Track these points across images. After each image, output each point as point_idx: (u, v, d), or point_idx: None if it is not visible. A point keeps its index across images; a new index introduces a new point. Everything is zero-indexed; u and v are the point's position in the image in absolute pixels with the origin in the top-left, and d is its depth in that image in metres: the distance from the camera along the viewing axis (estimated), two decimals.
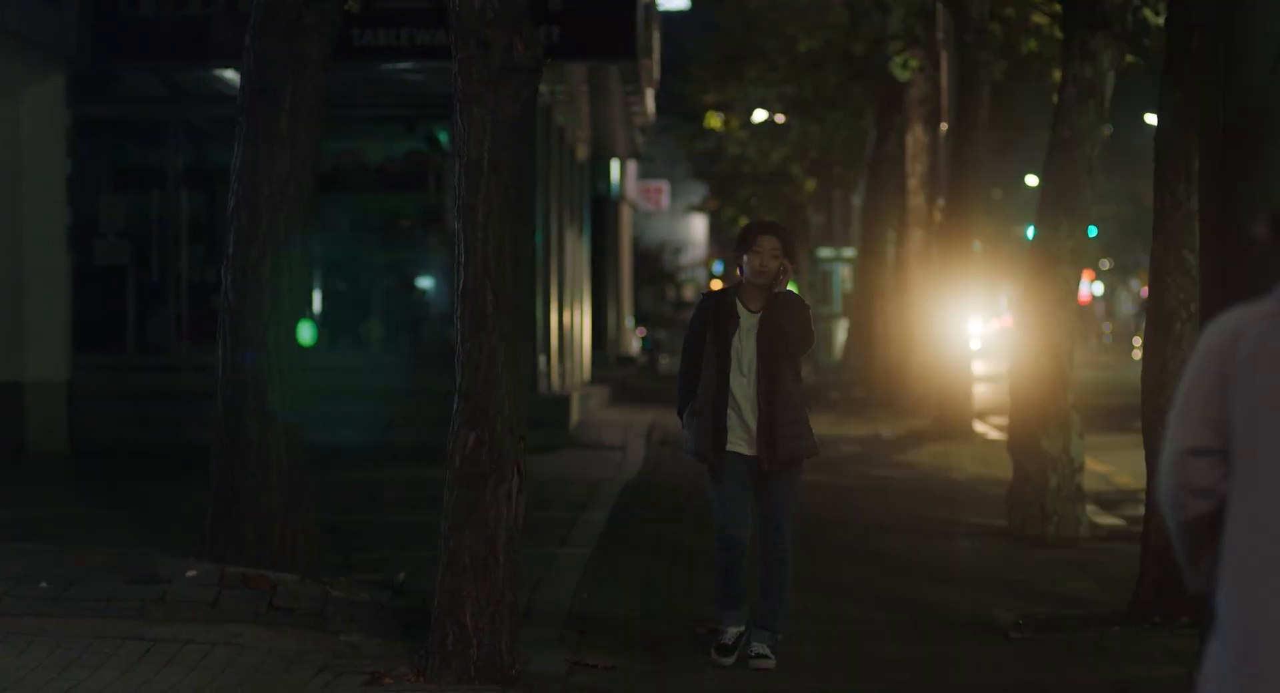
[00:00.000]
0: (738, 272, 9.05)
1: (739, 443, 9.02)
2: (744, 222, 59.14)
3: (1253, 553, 3.97)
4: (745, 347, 9.00)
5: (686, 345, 9.22)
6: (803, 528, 14.22)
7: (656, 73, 34.12)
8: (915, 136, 28.17)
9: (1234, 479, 4.00)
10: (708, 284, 66.35)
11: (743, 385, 9.00)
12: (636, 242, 56.27)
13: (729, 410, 9.01)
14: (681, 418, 9.25)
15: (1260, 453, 3.96)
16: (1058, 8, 16.02)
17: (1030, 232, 16.02)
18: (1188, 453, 4.04)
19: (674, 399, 9.46)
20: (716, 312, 9.09)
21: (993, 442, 22.37)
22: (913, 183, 28.36)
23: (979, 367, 31.86)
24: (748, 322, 9.03)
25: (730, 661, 9.16)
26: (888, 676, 9.22)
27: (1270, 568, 3.95)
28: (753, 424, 8.98)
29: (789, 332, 8.97)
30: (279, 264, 10.77)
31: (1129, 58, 15.88)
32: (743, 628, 9.21)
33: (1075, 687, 8.87)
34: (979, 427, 24.62)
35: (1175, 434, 4.08)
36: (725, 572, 9.17)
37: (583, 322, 31.02)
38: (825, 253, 48.14)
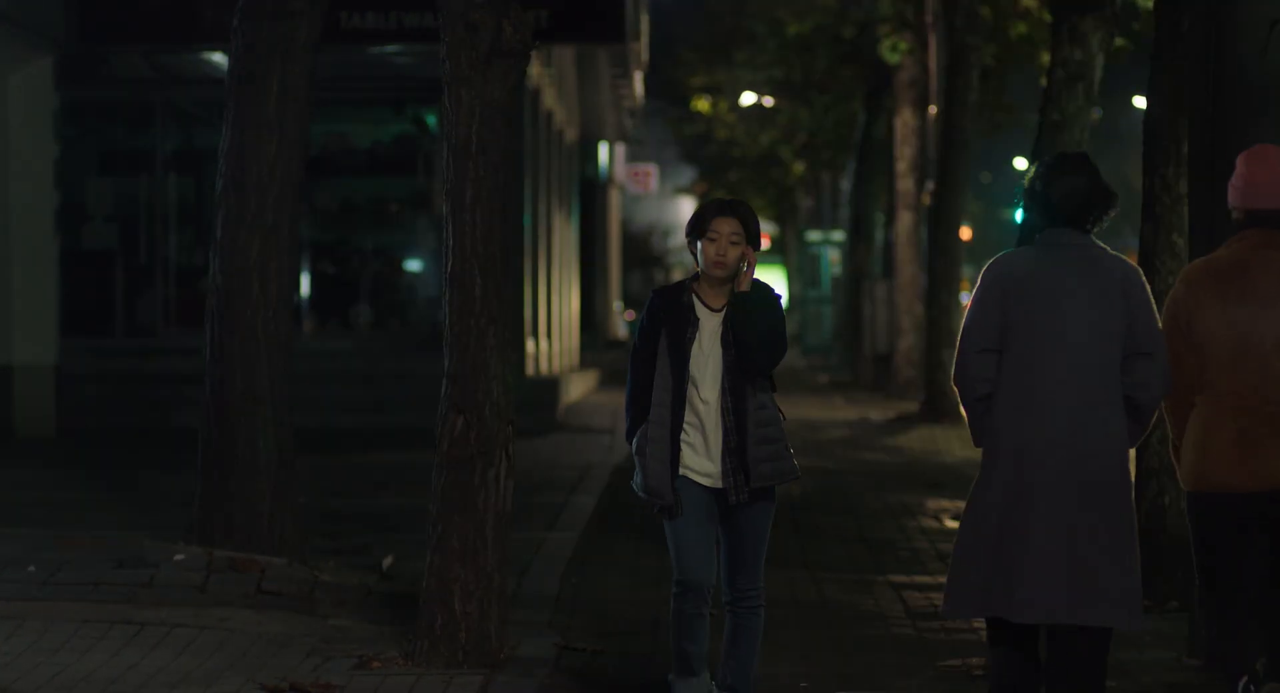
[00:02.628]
0: (696, 261, 7.35)
1: (701, 472, 7.33)
2: None
3: (1014, 404, 6.73)
4: (708, 354, 7.30)
5: (634, 356, 7.41)
6: (790, 512, 14.25)
7: (645, 56, 34.09)
8: (904, 120, 28.17)
9: (1006, 363, 6.75)
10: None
11: (705, 402, 7.31)
12: (626, 225, 56.24)
13: (688, 432, 7.32)
14: (632, 445, 7.41)
15: (1027, 340, 6.71)
16: None
17: (1018, 215, 16.01)
18: (977, 352, 6.79)
19: None
20: (670, 313, 7.33)
21: None
22: (901, 166, 28.37)
23: None
24: (709, 323, 7.32)
25: None
26: (875, 658, 9.22)
27: (1026, 411, 6.72)
28: (718, 448, 7.30)
29: (755, 336, 7.23)
30: (267, 247, 10.75)
31: (1118, 41, 15.88)
32: None
33: None
34: None
35: (967, 340, 6.80)
36: (685, 627, 7.38)
37: (571, 305, 31.02)
38: (814, 236, 48.13)
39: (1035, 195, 6.83)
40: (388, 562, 11.22)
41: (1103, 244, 6.84)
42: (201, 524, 10.69)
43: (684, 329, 7.30)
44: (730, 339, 7.26)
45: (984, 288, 6.81)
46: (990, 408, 6.80)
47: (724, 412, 7.29)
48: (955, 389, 6.94)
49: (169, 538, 10.73)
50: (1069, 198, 6.76)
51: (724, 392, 7.29)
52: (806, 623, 10.09)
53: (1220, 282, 7.06)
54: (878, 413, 25.09)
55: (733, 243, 7.25)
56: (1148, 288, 6.81)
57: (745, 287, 7.28)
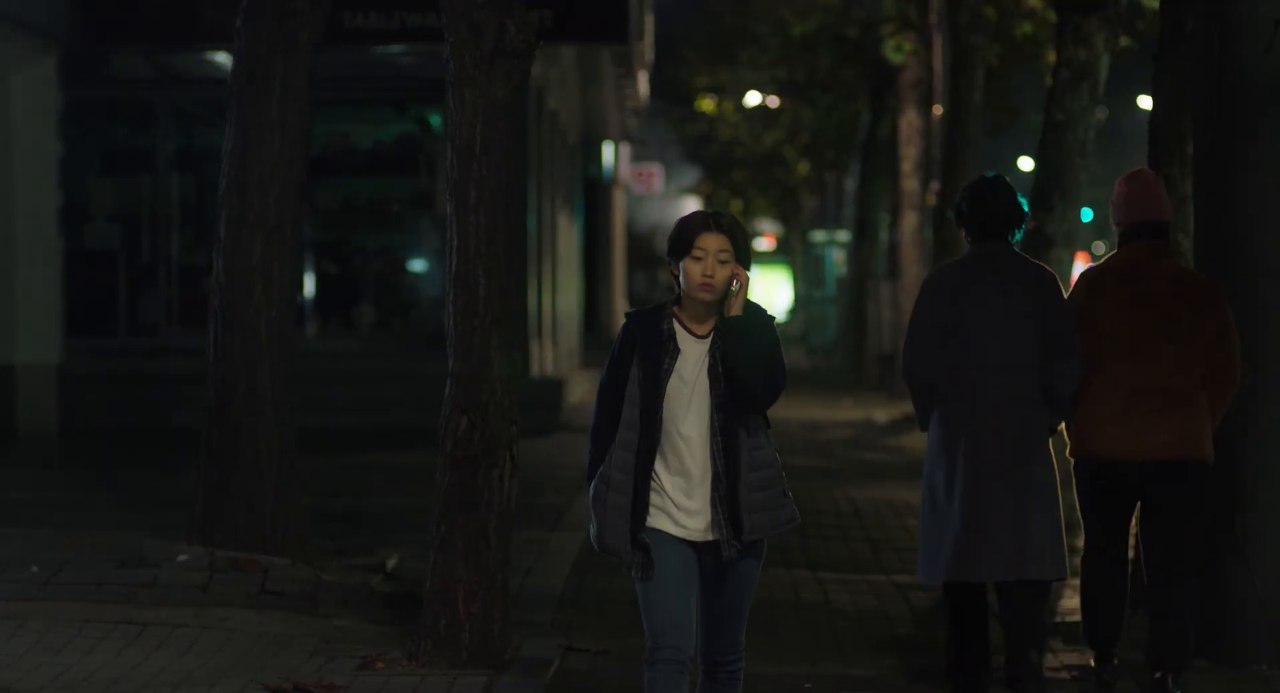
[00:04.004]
0: (675, 284, 6.41)
1: (680, 524, 6.35)
2: (737, 206, 59.02)
3: (955, 392, 7.87)
4: (691, 387, 6.32)
5: (603, 388, 6.43)
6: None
7: (649, 55, 34.09)
8: (909, 120, 28.16)
9: (946, 357, 7.91)
10: None
11: (690, 443, 6.32)
12: (631, 225, 56.23)
13: (660, 478, 6.34)
14: (589, 489, 6.46)
15: (964, 337, 7.91)
16: None
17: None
18: (922, 348, 7.98)
19: None
20: (647, 340, 6.36)
21: None
22: (906, 166, 28.36)
23: None
24: (692, 353, 6.34)
25: None
26: (879, 659, 9.20)
27: (966, 398, 7.86)
28: (704, 495, 6.33)
29: (750, 367, 6.31)
30: (270, 248, 10.73)
31: (1123, 41, 15.86)
32: None
33: (1063, 671, 8.85)
34: None
35: (913, 337, 8.01)
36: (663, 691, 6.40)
37: (575, 305, 31.01)
38: (818, 236, 48.10)
39: (963, 215, 8.13)
40: (391, 562, 11.21)
41: (1023, 254, 8.15)
42: (204, 524, 10.68)
43: (660, 360, 6.31)
44: (719, 371, 6.30)
45: (926, 293, 8.10)
46: (934, 397, 8.01)
47: (714, 454, 6.31)
48: (904, 382, 8.23)
49: (171, 538, 10.72)
50: (993, 217, 8.06)
51: (714, 431, 6.31)
52: (810, 623, 10.08)
53: (1116, 284, 8.28)
54: (882, 413, 25.06)
55: (721, 261, 6.28)
56: (1062, 290, 8.12)
57: (736, 311, 6.31)
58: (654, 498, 6.34)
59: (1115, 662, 8.49)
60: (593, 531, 6.40)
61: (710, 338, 6.34)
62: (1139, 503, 8.35)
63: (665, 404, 6.31)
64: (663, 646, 6.33)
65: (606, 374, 6.42)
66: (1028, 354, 7.95)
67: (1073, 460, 8.36)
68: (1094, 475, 8.30)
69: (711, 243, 6.30)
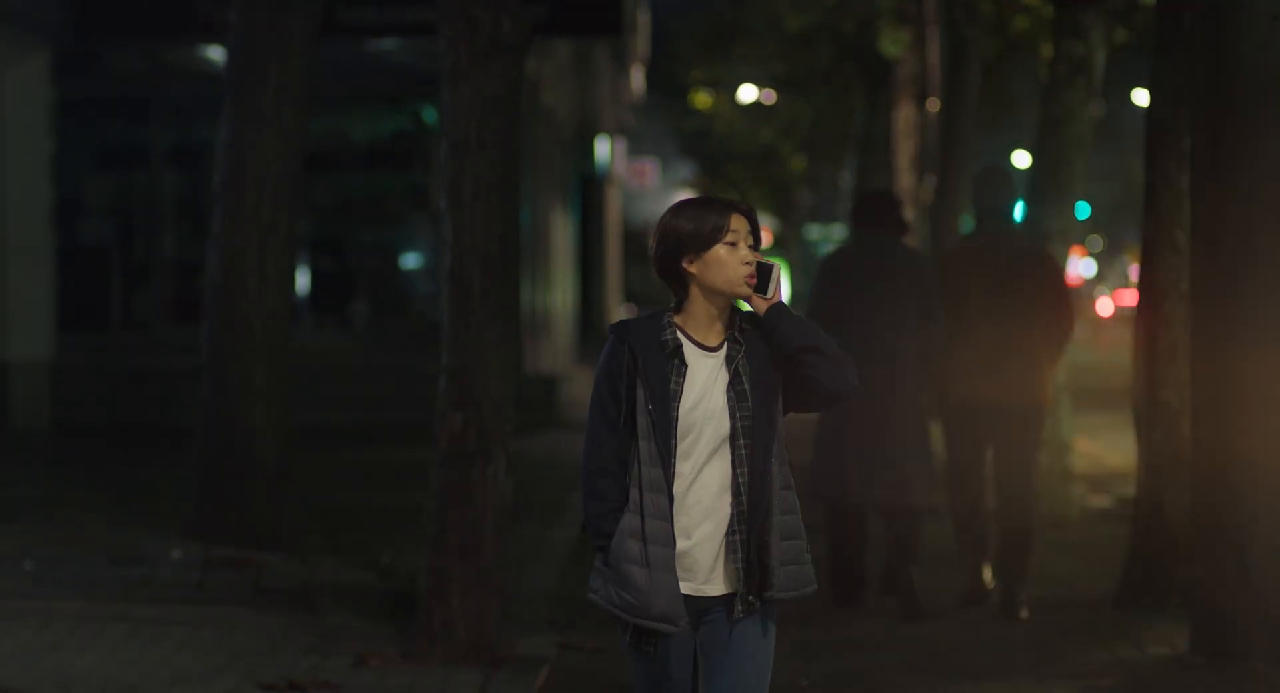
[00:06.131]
0: (679, 289, 5.22)
1: (692, 581, 5.18)
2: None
3: (848, 348, 5.94)
4: (702, 410, 5.18)
5: (595, 421, 5.23)
6: None
7: (644, 49, 34.06)
8: (905, 115, 28.13)
9: (842, 320, 9.71)
10: None
11: (703, 480, 5.18)
12: (628, 220, 56.23)
13: (680, 526, 5.16)
14: (603, 545, 5.18)
15: (854, 305, 9.93)
16: None
17: (1019, 209, 15.96)
18: (824, 317, 9.67)
19: None
20: (648, 357, 5.18)
21: None
22: (902, 161, 28.33)
23: None
24: (702, 369, 5.20)
25: None
26: (878, 655, 9.17)
27: (856, 354, 6.10)
28: (713, 542, 5.16)
29: (819, 343, 5.23)
30: (264, 244, 10.71)
31: (1119, 35, 15.83)
32: None
33: (1066, 667, 8.83)
34: None
35: (816, 307, 10.01)
36: None
37: (570, 301, 30.98)
38: (814, 231, 48.10)
39: (857, 217, 10.30)
40: (386, 559, 11.18)
41: (900, 239, 10.10)
42: (199, 521, 10.65)
43: (668, 379, 5.15)
44: (742, 389, 5.17)
45: (824, 273, 10.15)
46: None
47: (736, 491, 5.15)
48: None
49: (166, 535, 10.69)
50: (874, 212, 10.19)
51: (737, 463, 5.16)
52: (806, 620, 10.05)
53: (968, 262, 10.20)
54: None
55: (750, 246, 5.22)
56: (933, 269, 10.10)
57: (777, 295, 5.24)
58: (677, 548, 5.17)
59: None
60: (615, 594, 5.13)
61: (724, 350, 5.21)
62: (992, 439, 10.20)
63: (679, 431, 5.15)
64: None
65: (597, 402, 5.22)
66: (902, 318, 9.92)
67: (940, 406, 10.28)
68: (951, 419, 10.26)
69: (741, 225, 5.21)
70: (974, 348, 10.01)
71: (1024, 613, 9.98)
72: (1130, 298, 67.92)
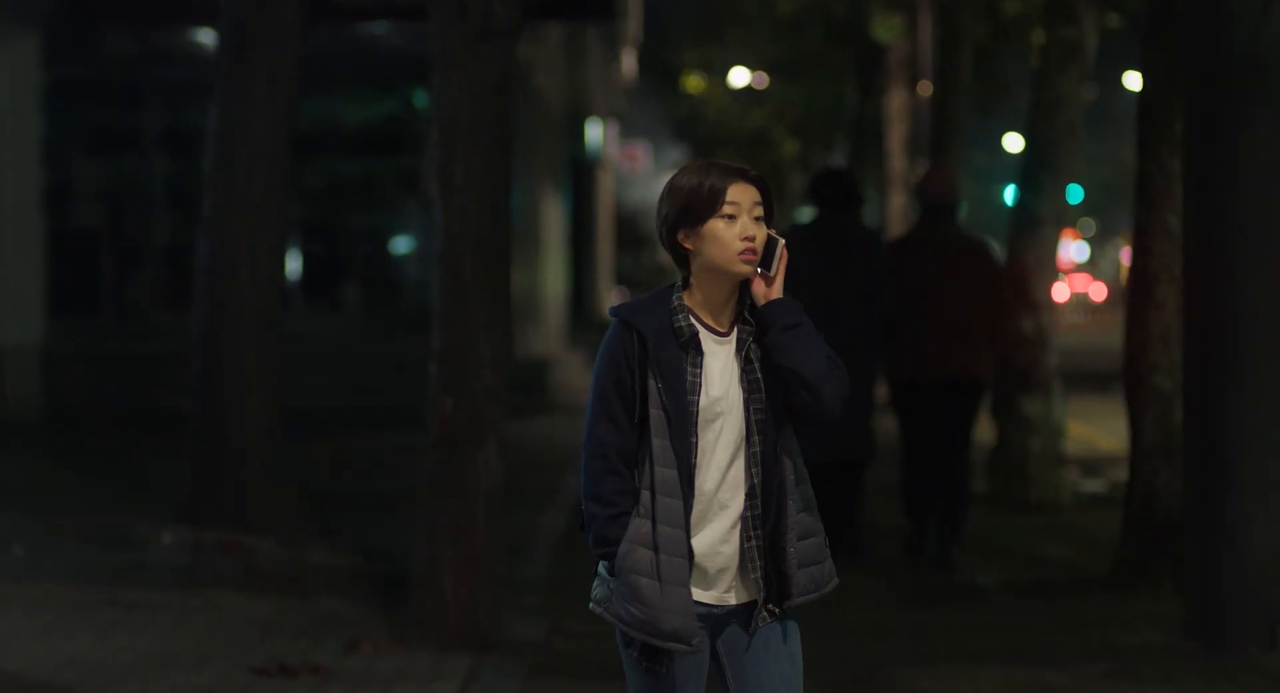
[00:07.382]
0: (683, 264, 4.71)
1: (707, 589, 4.74)
2: None
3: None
4: (719, 403, 4.67)
5: (597, 416, 4.68)
6: None
7: (636, 33, 34.02)
8: (896, 99, 28.11)
9: (804, 297, 8.02)
10: None
11: (715, 479, 4.68)
12: (620, 204, 56.20)
13: (696, 532, 4.69)
14: (608, 553, 4.77)
15: (817, 281, 10.55)
16: None
17: (1011, 193, 15.95)
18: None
19: None
20: (658, 345, 4.65)
21: None
22: (893, 145, 28.32)
23: None
24: (717, 357, 4.69)
25: None
26: (868, 643, 9.17)
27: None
28: (728, 546, 4.71)
29: (816, 363, 4.69)
30: (256, 228, 10.68)
31: (1112, 19, 15.81)
32: None
33: (1058, 653, 8.83)
34: None
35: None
36: None
37: (562, 285, 30.97)
38: (806, 216, 48.07)
39: (811, 194, 11.04)
40: (377, 544, 11.16)
41: (856, 221, 10.99)
42: (190, 506, 10.64)
43: (684, 369, 4.62)
44: (755, 378, 4.66)
45: (792, 250, 10.23)
46: None
47: (751, 491, 4.67)
48: None
49: (157, 520, 10.68)
50: (832, 196, 10.96)
51: (751, 460, 4.67)
52: (805, 607, 10.03)
53: (909, 251, 11.33)
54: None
55: (756, 219, 4.67)
56: (882, 251, 11.05)
57: (778, 291, 4.68)
58: (694, 551, 4.71)
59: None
60: (623, 609, 4.69)
61: (735, 336, 4.68)
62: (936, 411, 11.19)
63: (699, 425, 4.64)
64: None
65: (598, 396, 4.67)
66: (854, 295, 10.71)
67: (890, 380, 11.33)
68: (898, 395, 11.33)
69: (745, 195, 4.66)
70: (920, 327, 11.09)
71: (958, 558, 11.12)
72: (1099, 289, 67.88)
